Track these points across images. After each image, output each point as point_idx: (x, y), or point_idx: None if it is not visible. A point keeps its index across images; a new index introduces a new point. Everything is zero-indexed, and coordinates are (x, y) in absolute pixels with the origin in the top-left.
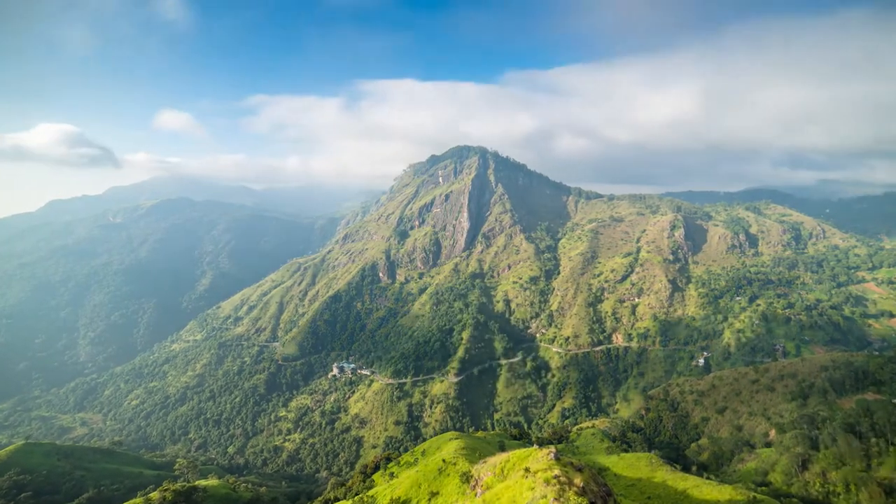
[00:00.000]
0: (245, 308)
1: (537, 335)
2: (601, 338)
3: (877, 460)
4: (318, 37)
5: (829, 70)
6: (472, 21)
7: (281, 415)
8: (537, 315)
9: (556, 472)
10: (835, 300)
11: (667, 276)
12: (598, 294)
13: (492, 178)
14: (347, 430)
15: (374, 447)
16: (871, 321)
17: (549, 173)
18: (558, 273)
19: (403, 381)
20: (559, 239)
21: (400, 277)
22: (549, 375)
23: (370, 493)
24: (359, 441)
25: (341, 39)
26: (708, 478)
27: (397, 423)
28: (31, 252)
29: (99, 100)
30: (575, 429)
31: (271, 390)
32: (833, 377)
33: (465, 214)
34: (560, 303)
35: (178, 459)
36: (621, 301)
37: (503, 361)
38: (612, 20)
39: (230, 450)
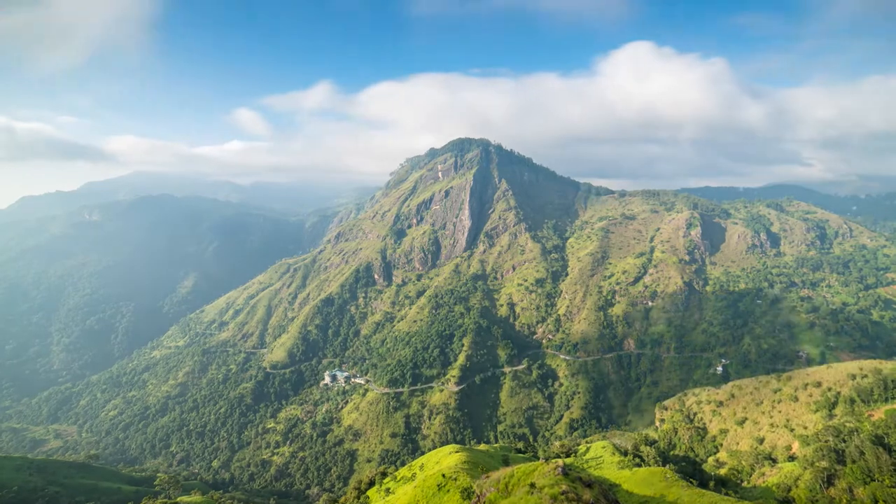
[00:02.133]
0: (230, 312)
1: (544, 341)
2: (612, 344)
3: None
4: None
5: None
6: None
7: (269, 426)
8: (544, 320)
9: (564, 487)
10: (862, 304)
11: (682, 277)
12: (609, 297)
13: (495, 172)
14: (340, 442)
15: (368, 461)
16: None
17: (557, 167)
18: (566, 275)
19: (400, 390)
20: (567, 238)
21: (397, 279)
22: (557, 384)
23: None
24: (352, 455)
25: None
26: (727, 494)
27: (394, 435)
28: (2, 252)
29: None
30: (584, 441)
31: (259, 400)
32: (861, 386)
33: (467, 212)
34: (568, 306)
35: (159, 474)
36: (634, 304)
37: (507, 369)
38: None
39: (215, 464)
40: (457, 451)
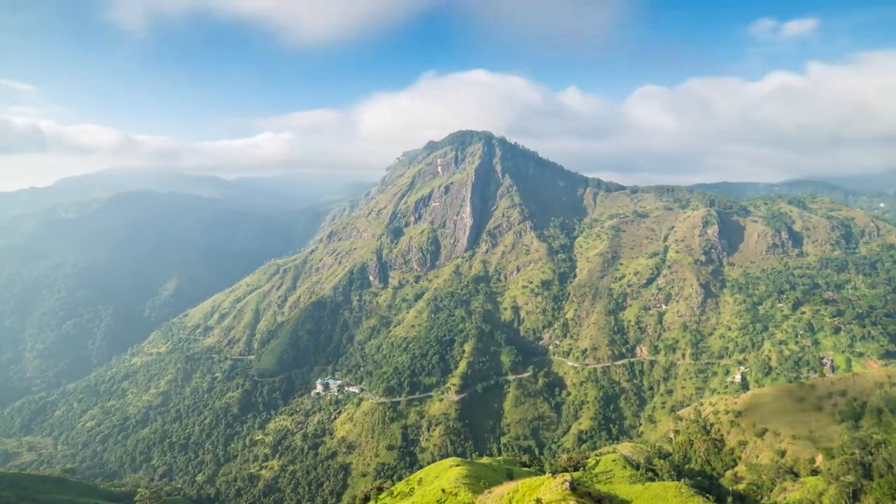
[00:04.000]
0: (216, 316)
1: (550, 347)
2: (623, 350)
3: None
4: None
5: None
6: None
7: (257, 438)
8: (550, 324)
9: (572, 503)
10: (891, 307)
11: (698, 279)
12: (620, 300)
13: (498, 167)
14: (333, 455)
15: (363, 475)
16: None
17: (564, 162)
18: (574, 276)
19: (397, 399)
20: (575, 237)
21: (393, 281)
22: (564, 393)
23: None
24: (346, 468)
25: None
26: None
27: (390, 447)
28: None
29: None
30: (593, 454)
31: (246, 410)
32: (889, 395)
33: (468, 209)
34: (576, 310)
35: (140, 489)
36: (646, 308)
37: (511, 377)
38: None
39: (199, 478)
40: (457, 465)
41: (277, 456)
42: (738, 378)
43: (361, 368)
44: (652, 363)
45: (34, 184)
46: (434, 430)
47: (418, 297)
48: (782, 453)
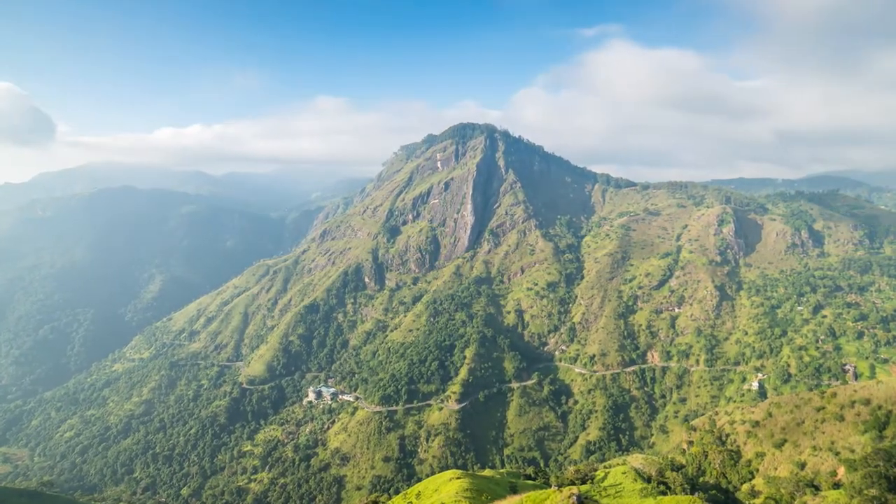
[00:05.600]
0: (202, 320)
1: (556, 353)
2: (634, 356)
3: None
4: None
5: None
6: None
7: (246, 449)
8: (556, 328)
9: None
10: None
11: (713, 281)
12: (630, 303)
13: (501, 162)
14: (326, 467)
15: (358, 489)
16: None
17: (571, 156)
18: (582, 277)
19: (394, 408)
20: (583, 236)
21: (390, 283)
22: (571, 402)
23: None
24: (340, 481)
25: None
26: None
27: (386, 459)
28: None
29: None
30: (602, 466)
31: (234, 420)
32: None
33: (469, 206)
34: (584, 314)
35: (121, 503)
36: (658, 311)
37: (515, 385)
38: None
39: (184, 492)
40: (458, 478)
41: (267, 468)
42: (755, 386)
43: (356, 375)
44: (664, 370)
45: (9, 179)
46: (433, 440)
47: (416, 299)
48: (802, 465)
